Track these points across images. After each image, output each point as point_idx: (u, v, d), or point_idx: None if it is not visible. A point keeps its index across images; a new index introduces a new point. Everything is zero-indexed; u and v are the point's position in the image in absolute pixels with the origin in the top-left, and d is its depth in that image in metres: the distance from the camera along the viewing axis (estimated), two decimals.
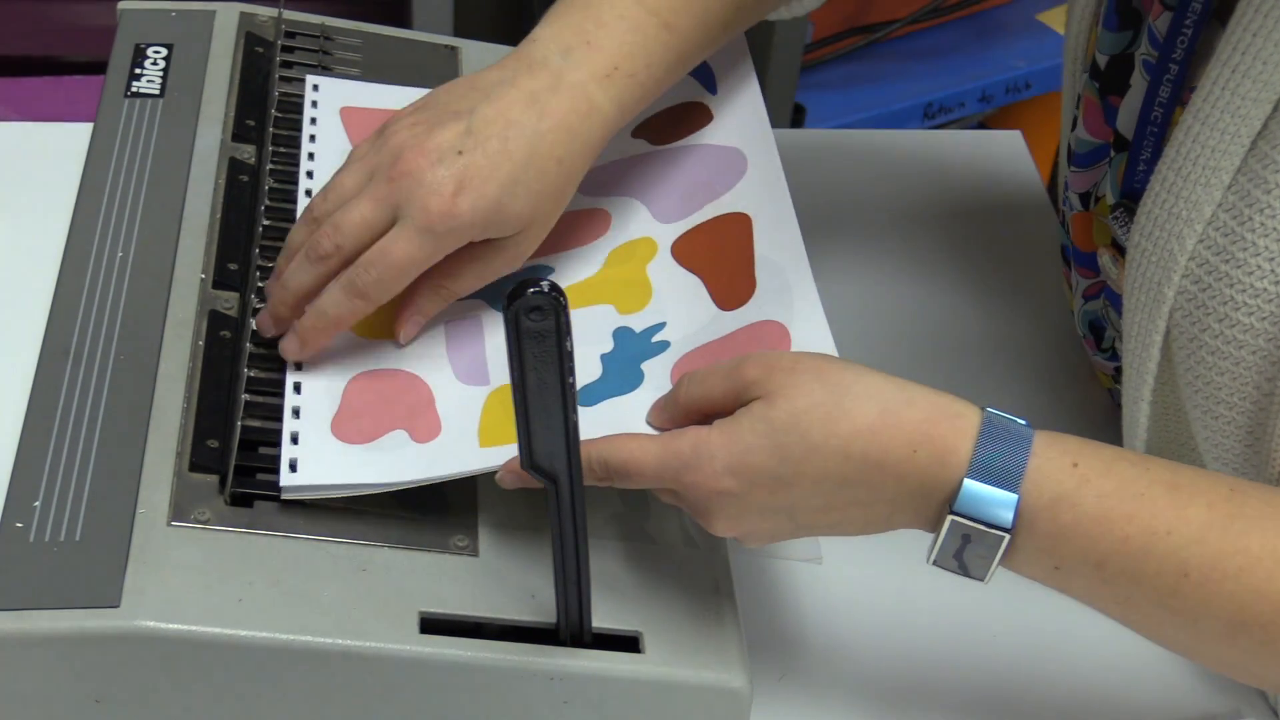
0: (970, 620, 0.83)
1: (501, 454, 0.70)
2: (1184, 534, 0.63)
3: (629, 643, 0.69)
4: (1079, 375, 0.98)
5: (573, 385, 0.60)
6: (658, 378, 0.75)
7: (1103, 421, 0.95)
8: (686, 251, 0.81)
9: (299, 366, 0.75)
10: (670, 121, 0.89)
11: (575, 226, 0.84)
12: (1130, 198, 0.80)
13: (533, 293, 0.57)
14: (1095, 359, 0.93)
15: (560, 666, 0.67)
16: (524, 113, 0.74)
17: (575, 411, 0.61)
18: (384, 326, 0.78)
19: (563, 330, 0.58)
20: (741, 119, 0.86)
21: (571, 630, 0.68)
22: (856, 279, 1.03)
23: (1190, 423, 0.76)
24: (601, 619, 0.68)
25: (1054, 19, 1.85)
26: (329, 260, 0.73)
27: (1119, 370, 0.91)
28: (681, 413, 0.69)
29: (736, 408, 0.66)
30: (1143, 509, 0.63)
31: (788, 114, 1.71)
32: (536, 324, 0.58)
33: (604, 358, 0.77)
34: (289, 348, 0.74)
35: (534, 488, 0.68)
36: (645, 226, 0.83)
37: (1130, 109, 0.81)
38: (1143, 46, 0.80)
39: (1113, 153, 0.83)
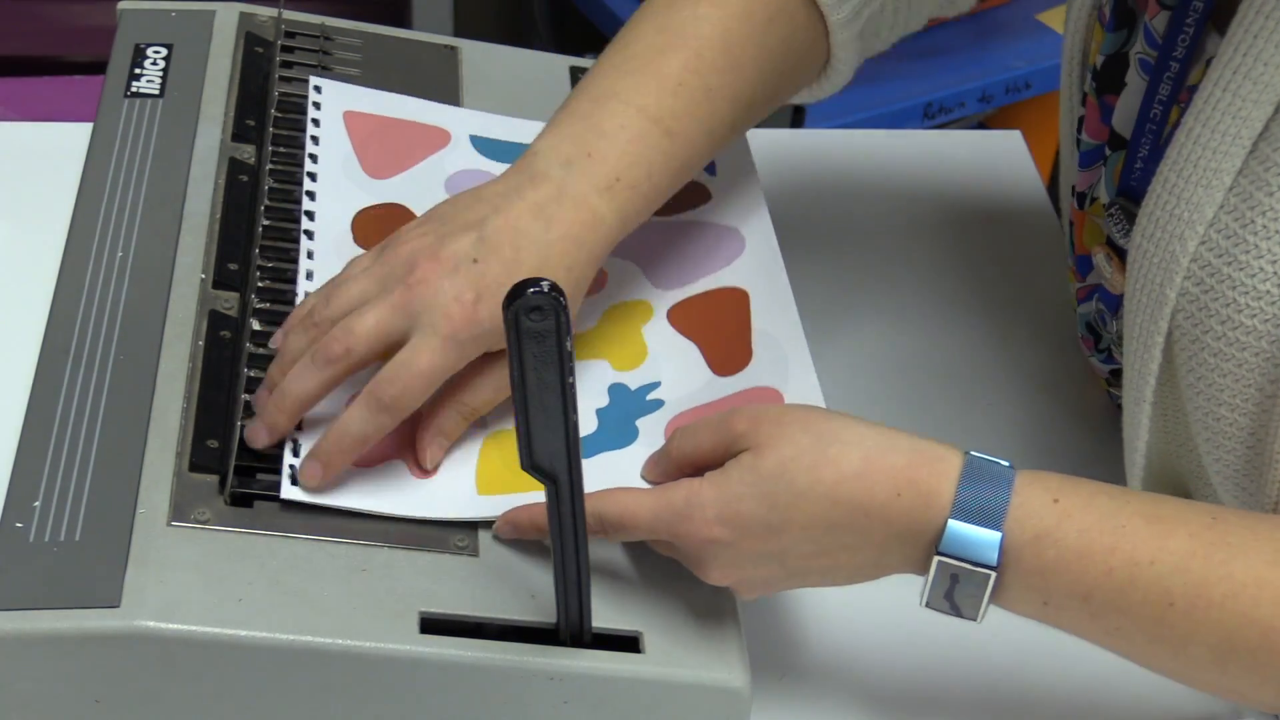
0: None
1: (499, 503, 0.71)
2: (1167, 564, 0.64)
3: (629, 643, 0.69)
4: (1079, 377, 0.98)
5: (573, 385, 0.60)
6: (652, 435, 0.76)
7: (1102, 423, 0.95)
8: (683, 319, 0.82)
9: None
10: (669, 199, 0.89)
11: None
12: (1126, 196, 0.80)
13: (533, 293, 0.57)
14: (1091, 360, 0.93)
15: (560, 666, 0.67)
16: (532, 223, 0.72)
17: (575, 411, 0.61)
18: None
19: (563, 330, 0.58)
20: (740, 201, 0.88)
21: (571, 630, 0.68)
22: (855, 280, 1.03)
23: (1191, 425, 0.76)
24: (601, 619, 0.68)
25: (1054, 19, 1.85)
26: (337, 364, 0.70)
27: (1114, 373, 0.91)
28: (674, 466, 0.71)
29: (726, 460, 0.68)
30: (1124, 541, 0.64)
31: (788, 114, 1.71)
32: (536, 324, 0.58)
33: (599, 412, 0.78)
34: (311, 474, 0.70)
35: (531, 538, 0.70)
36: (642, 291, 0.84)
37: (1126, 108, 0.81)
38: (1138, 45, 0.80)
39: (1108, 151, 0.83)
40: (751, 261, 0.84)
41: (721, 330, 0.81)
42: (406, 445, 0.74)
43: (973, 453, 0.67)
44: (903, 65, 1.77)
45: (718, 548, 0.67)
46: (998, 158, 1.15)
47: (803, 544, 0.67)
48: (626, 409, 0.78)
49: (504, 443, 0.74)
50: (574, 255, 0.73)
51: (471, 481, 0.73)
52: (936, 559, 0.66)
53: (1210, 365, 0.73)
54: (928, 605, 0.68)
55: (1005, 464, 0.67)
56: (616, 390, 0.79)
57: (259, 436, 0.71)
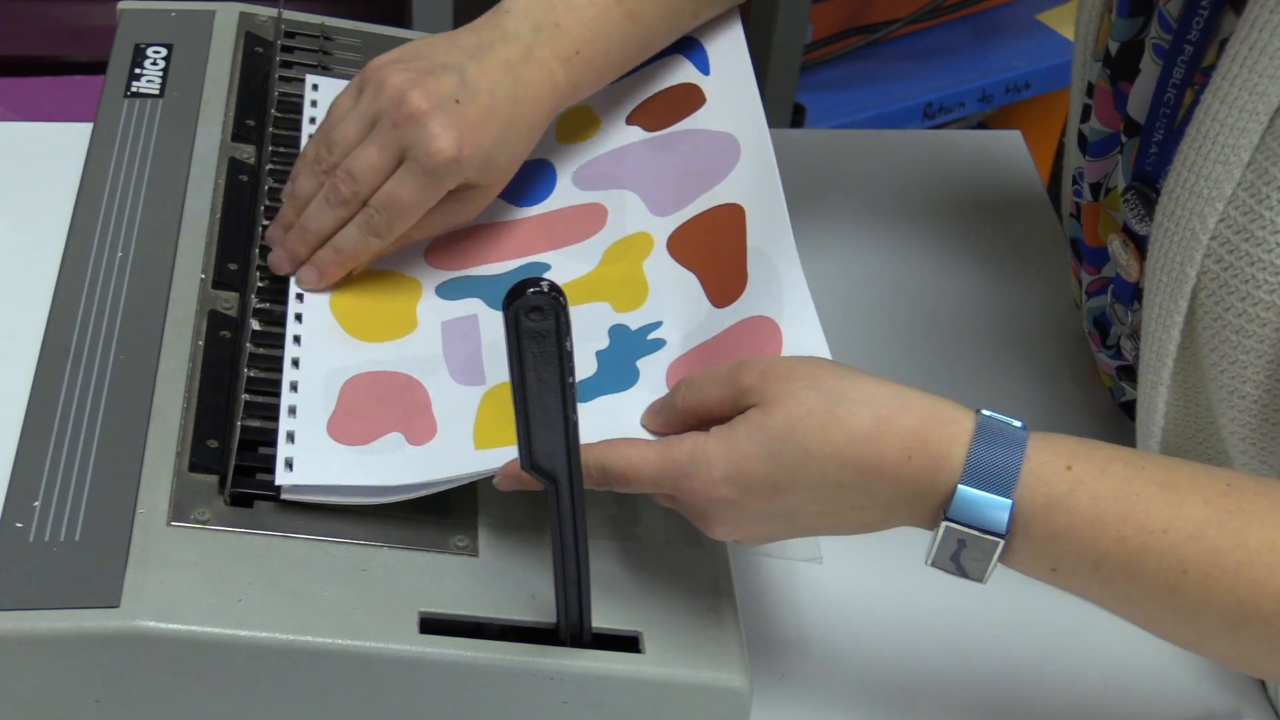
0: (971, 619, 0.83)
1: (497, 456, 0.70)
2: (1181, 531, 0.63)
3: (629, 643, 0.69)
4: (1081, 375, 0.98)
5: (573, 385, 0.60)
6: (653, 378, 0.75)
7: (1104, 421, 0.95)
8: (682, 246, 0.81)
9: (295, 366, 0.75)
10: (663, 105, 0.88)
11: (572, 220, 0.84)
12: (1142, 180, 0.80)
13: (533, 293, 0.57)
14: (1098, 356, 0.93)
15: (560, 666, 0.67)
16: (504, 77, 0.79)
17: (575, 412, 0.61)
18: (380, 329, 0.78)
19: (562, 330, 0.58)
20: (735, 102, 0.86)
21: (571, 630, 0.68)
22: (856, 279, 1.03)
23: (1213, 405, 0.76)
24: (601, 619, 0.68)
25: (1054, 19, 1.85)
26: (350, 205, 0.78)
27: (1120, 369, 0.91)
28: (679, 418, 0.70)
29: (733, 414, 0.67)
30: (1137, 509, 0.63)
31: (788, 114, 1.71)
32: (536, 324, 0.58)
33: (599, 354, 0.77)
34: (308, 278, 0.79)
35: (533, 489, 0.68)
36: (641, 220, 0.83)
37: (1141, 94, 0.81)
38: (1153, 31, 0.80)
39: (1124, 139, 0.83)
40: (747, 171, 0.82)
41: (719, 255, 0.79)
42: (402, 417, 0.74)
43: (985, 413, 0.66)
44: (903, 65, 1.77)
45: (723, 505, 0.66)
46: (998, 158, 1.15)
47: (809, 503, 0.66)
48: (627, 350, 0.77)
49: (503, 395, 0.73)
50: (535, 115, 0.81)
51: (469, 437, 0.73)
52: (944, 524, 0.64)
53: (1233, 343, 0.73)
54: (932, 564, 0.67)
55: (1018, 425, 0.65)
56: (617, 331, 0.78)
57: (281, 264, 0.79)
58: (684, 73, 0.89)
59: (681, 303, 0.78)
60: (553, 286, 0.57)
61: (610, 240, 0.83)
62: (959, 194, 1.11)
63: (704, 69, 0.89)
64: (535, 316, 0.58)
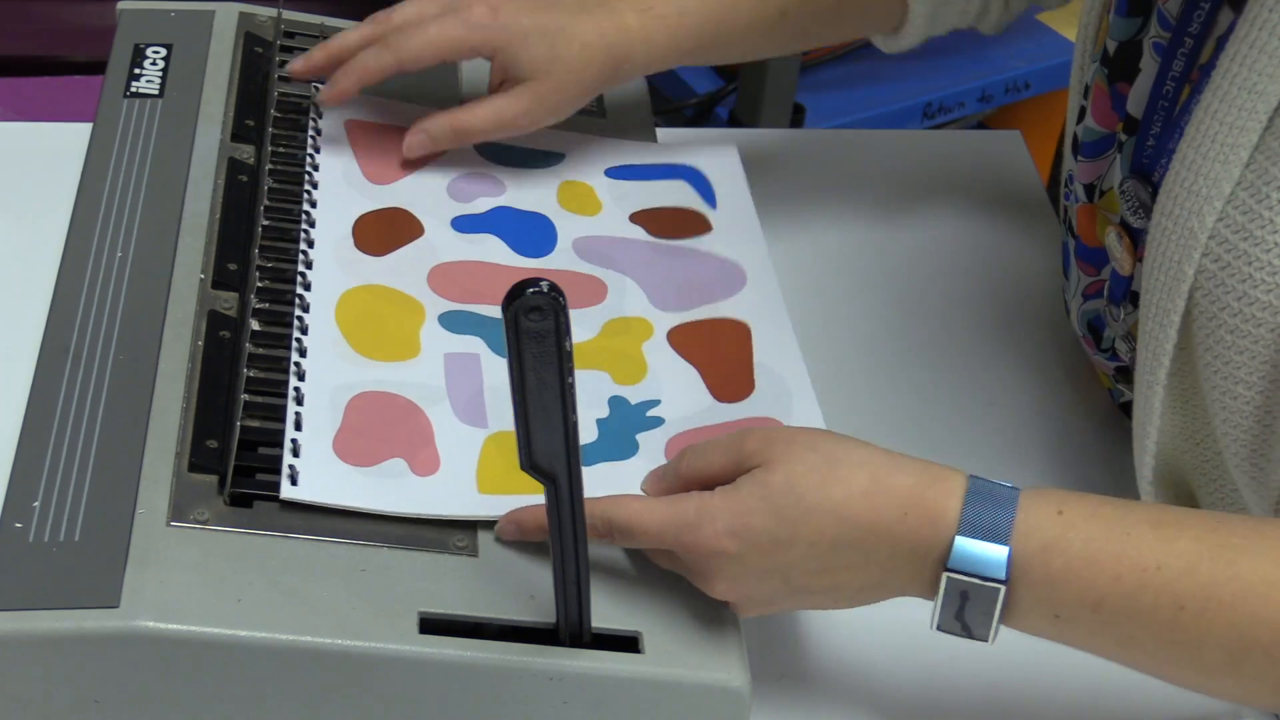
0: None
1: (500, 503, 0.72)
2: (1174, 567, 0.64)
3: (629, 643, 0.69)
4: (1080, 375, 0.98)
5: (572, 385, 0.60)
6: (653, 450, 0.77)
7: (1103, 421, 0.95)
8: (683, 341, 0.83)
9: (301, 377, 0.75)
10: (669, 219, 0.90)
11: (572, 286, 0.85)
12: (1138, 173, 0.81)
13: (532, 293, 0.57)
14: (1095, 358, 0.93)
15: (560, 666, 0.67)
16: (569, 4, 0.87)
17: (575, 412, 0.61)
18: (384, 348, 0.78)
19: (562, 330, 0.58)
20: (741, 236, 0.89)
21: (571, 630, 0.68)
22: (856, 279, 1.03)
23: (1207, 405, 0.76)
24: (601, 619, 0.68)
25: (1054, 19, 1.85)
26: (378, 28, 0.86)
27: (1119, 370, 0.91)
28: (681, 484, 0.72)
29: (737, 477, 0.68)
30: (1129, 547, 0.65)
31: (788, 114, 1.71)
32: (536, 324, 0.58)
33: (600, 423, 0.78)
34: (323, 93, 0.87)
35: (535, 540, 0.70)
36: (640, 308, 0.85)
37: (1140, 93, 0.81)
38: (1152, 30, 0.80)
39: (1123, 137, 0.83)
40: (753, 297, 0.85)
41: (723, 359, 0.82)
42: (405, 443, 0.74)
43: (975, 476, 0.67)
44: (903, 65, 1.77)
45: (724, 560, 0.68)
46: (998, 158, 1.15)
47: (808, 560, 0.67)
48: (626, 422, 0.78)
49: (505, 443, 0.74)
50: (593, 35, 0.86)
51: (473, 480, 0.73)
52: (946, 576, 0.66)
53: (1227, 343, 0.73)
54: (939, 628, 0.68)
55: (1008, 485, 0.67)
56: (617, 403, 0.79)
57: (297, 69, 0.88)
58: (690, 199, 0.92)
59: (681, 389, 0.80)
60: (552, 286, 0.57)
61: (609, 315, 0.84)
62: (959, 194, 1.11)
63: (710, 202, 0.92)
64: (535, 317, 0.58)
